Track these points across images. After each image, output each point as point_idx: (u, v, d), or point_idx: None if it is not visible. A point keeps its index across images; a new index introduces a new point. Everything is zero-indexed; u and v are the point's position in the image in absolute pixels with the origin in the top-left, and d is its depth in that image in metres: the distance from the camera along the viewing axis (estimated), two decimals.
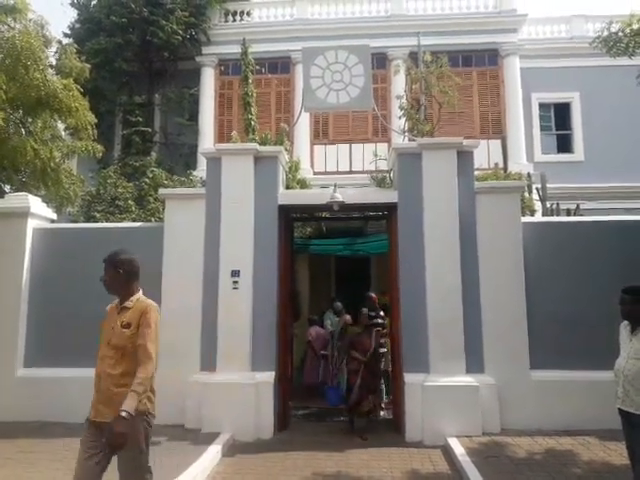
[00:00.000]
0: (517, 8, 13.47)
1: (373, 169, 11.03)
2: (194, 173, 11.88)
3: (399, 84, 12.33)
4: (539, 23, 14.28)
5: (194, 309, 6.54)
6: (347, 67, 7.63)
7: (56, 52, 9.38)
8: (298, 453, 5.54)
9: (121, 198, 10.38)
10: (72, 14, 14.79)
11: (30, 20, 8.34)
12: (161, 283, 6.64)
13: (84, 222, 9.78)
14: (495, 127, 13.09)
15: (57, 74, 8.66)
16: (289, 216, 7.33)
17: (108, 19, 13.32)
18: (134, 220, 9.69)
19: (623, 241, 6.51)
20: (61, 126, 9.23)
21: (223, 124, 13.86)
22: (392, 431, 6.38)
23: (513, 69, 13.28)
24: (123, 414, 2.81)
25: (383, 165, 10.27)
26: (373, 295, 8.84)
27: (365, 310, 6.74)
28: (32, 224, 7.07)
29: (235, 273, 6.45)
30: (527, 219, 7.20)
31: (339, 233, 10.40)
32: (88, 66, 9.25)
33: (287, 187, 8.03)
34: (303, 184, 10.34)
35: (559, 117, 14.05)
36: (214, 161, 6.85)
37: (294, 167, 10.23)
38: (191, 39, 13.80)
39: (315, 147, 13.46)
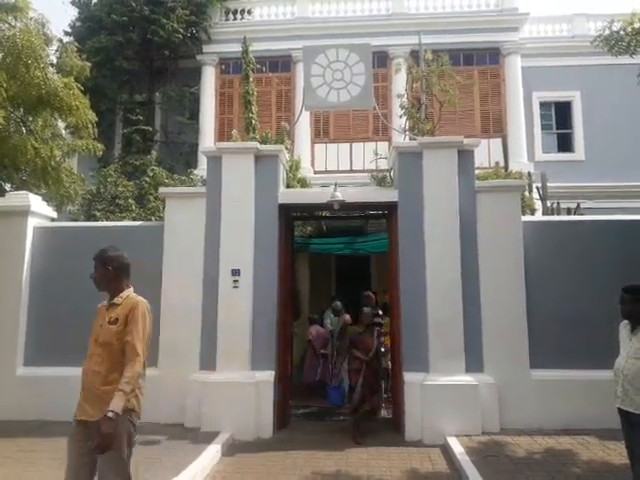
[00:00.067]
0: (518, 7, 13.46)
1: (374, 168, 11.02)
2: (194, 172, 11.88)
3: (400, 83, 12.31)
4: (540, 22, 14.26)
5: (194, 308, 6.54)
6: (348, 66, 7.62)
7: (57, 50, 9.38)
8: (298, 452, 5.54)
9: (121, 197, 10.39)
10: (73, 12, 14.87)
11: (31, 18, 8.34)
12: (161, 282, 6.65)
13: (84, 221, 9.79)
14: (496, 126, 13.08)
15: (58, 72, 8.68)
16: (289, 215, 7.33)
17: (109, 17, 13.32)
18: (134, 219, 9.70)
19: (623, 240, 6.50)
20: (62, 125, 9.24)
21: (224, 123, 13.85)
22: (391, 430, 6.38)
23: (514, 68, 13.27)
24: (110, 415, 2.79)
25: (384, 164, 10.27)
26: (370, 294, 8.85)
27: (367, 309, 6.65)
28: (32, 223, 7.07)
29: (235, 272, 6.45)
30: (527, 218, 7.19)
31: (339, 232, 10.39)
32: (89, 64, 9.26)
33: (288, 186, 8.03)
34: (304, 183, 10.33)
35: (560, 116, 14.03)
36: (215, 160, 6.84)
37: (295, 166, 10.23)
38: (192, 37, 13.79)
39: (316, 146, 13.45)
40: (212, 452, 5.29)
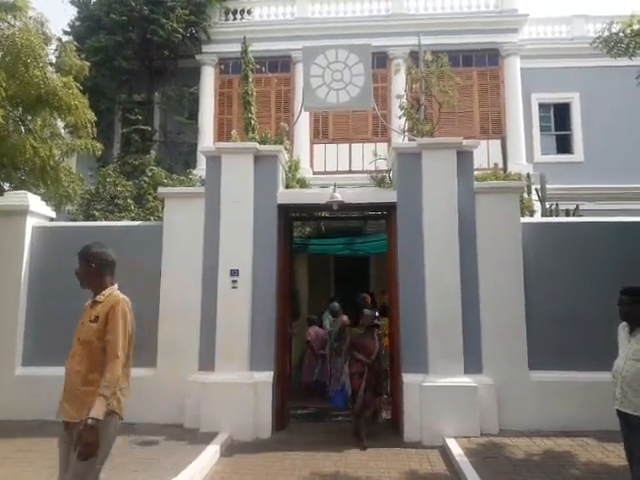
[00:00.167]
0: (518, 8, 13.47)
1: (373, 169, 11.02)
2: (193, 172, 11.88)
3: (399, 83, 12.33)
4: (540, 23, 14.27)
5: (193, 308, 6.53)
6: (347, 66, 7.62)
7: (56, 50, 9.37)
8: (296, 453, 5.54)
9: (120, 197, 10.37)
10: (72, 12, 14.81)
11: (30, 18, 8.32)
12: (160, 282, 6.64)
13: (83, 220, 9.78)
14: (495, 127, 13.09)
15: (57, 72, 8.66)
16: (288, 215, 7.33)
17: (108, 17, 13.31)
18: (133, 219, 9.69)
19: (622, 242, 6.51)
20: (60, 124, 9.22)
21: (223, 123, 13.84)
22: (390, 431, 6.38)
23: (513, 69, 13.28)
24: (91, 422, 2.75)
25: (383, 165, 10.27)
26: (366, 295, 8.84)
27: (367, 311, 6.55)
28: (31, 222, 7.06)
29: (234, 272, 6.45)
30: (526, 219, 7.20)
31: (338, 233, 10.39)
32: (88, 64, 9.25)
33: (287, 186, 8.02)
34: (303, 183, 10.34)
35: (559, 117, 14.04)
36: (214, 160, 6.84)
37: (294, 166, 10.23)
38: (191, 37, 13.78)
39: (315, 146, 13.45)
40: (211, 453, 5.29)
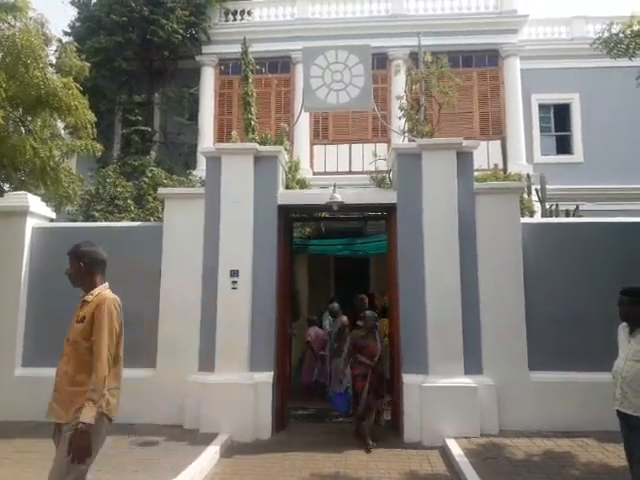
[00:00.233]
0: (518, 9, 13.47)
1: (373, 169, 11.02)
2: (193, 173, 11.88)
3: (399, 84, 12.32)
4: (539, 24, 14.28)
5: (193, 309, 6.53)
6: (347, 67, 7.63)
7: (56, 50, 9.38)
8: (296, 454, 5.54)
9: (120, 197, 10.38)
10: (72, 12, 14.88)
11: (30, 18, 8.33)
12: (160, 283, 6.64)
13: (83, 221, 9.78)
14: (495, 128, 13.10)
15: (57, 72, 8.67)
16: (288, 216, 7.33)
17: (108, 18, 13.31)
18: (133, 219, 9.69)
19: (622, 242, 6.51)
20: (61, 125, 9.22)
21: (223, 124, 13.85)
22: (390, 432, 6.36)
23: (513, 70, 13.28)
24: (81, 427, 2.74)
25: (383, 165, 10.27)
26: (364, 296, 8.83)
27: (369, 312, 6.49)
28: (31, 223, 7.06)
29: (234, 273, 6.45)
30: (526, 220, 7.20)
31: (338, 233, 10.40)
32: (88, 65, 9.25)
33: (287, 187, 8.03)
34: (303, 184, 10.34)
35: (559, 118, 14.05)
36: (214, 161, 6.84)
37: (294, 167, 10.23)
38: (191, 38, 13.79)
39: (315, 147, 13.45)
40: (211, 453, 5.28)
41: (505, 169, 10.71)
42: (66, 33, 14.02)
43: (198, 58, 14.00)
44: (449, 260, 6.29)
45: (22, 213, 6.97)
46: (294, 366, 8.60)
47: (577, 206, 9.97)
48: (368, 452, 5.60)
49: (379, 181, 10.39)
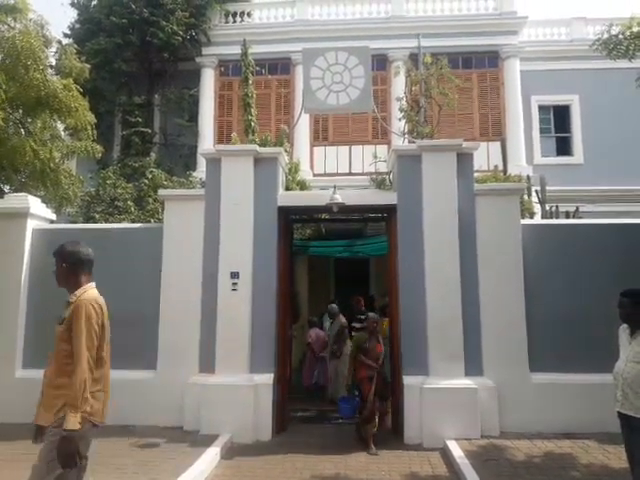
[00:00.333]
0: (517, 10, 13.49)
1: (373, 171, 11.03)
2: (194, 174, 11.88)
3: (399, 86, 12.33)
4: (539, 25, 14.30)
5: (193, 310, 6.53)
6: (347, 68, 7.63)
7: (56, 52, 9.37)
8: (297, 455, 5.53)
9: (120, 199, 10.37)
10: (72, 14, 14.85)
11: (30, 20, 8.32)
12: (160, 284, 6.64)
13: (83, 222, 9.77)
14: (495, 129, 13.11)
15: (57, 74, 8.66)
16: (288, 217, 7.33)
17: (108, 19, 13.33)
18: (133, 221, 9.69)
19: (622, 244, 6.51)
20: (61, 126, 9.21)
21: (223, 125, 13.86)
22: (391, 433, 6.35)
23: (513, 71, 13.30)
24: (66, 434, 2.70)
25: (383, 167, 10.27)
26: (360, 298, 8.82)
27: (372, 314, 6.44)
28: (31, 224, 7.06)
29: (234, 274, 6.44)
30: (526, 221, 7.19)
31: (338, 235, 10.40)
32: (88, 66, 9.23)
33: (287, 188, 8.03)
34: (303, 185, 10.33)
35: (558, 120, 14.07)
36: (214, 162, 6.84)
37: (294, 168, 10.23)
38: (191, 40, 13.80)
39: (315, 149, 13.46)
40: (211, 455, 5.28)
41: (505, 170, 10.71)
42: (66, 35, 14.04)
43: (198, 60, 14.02)
44: (449, 261, 6.29)
45: (22, 215, 6.97)
46: (294, 368, 8.60)
47: (577, 207, 9.97)
48: (373, 455, 5.57)
49: (379, 182, 10.38)
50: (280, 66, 13.96)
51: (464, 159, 6.57)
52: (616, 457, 5.09)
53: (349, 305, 9.34)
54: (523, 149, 13.03)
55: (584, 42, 11.57)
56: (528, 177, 10.86)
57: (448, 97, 10.53)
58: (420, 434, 5.91)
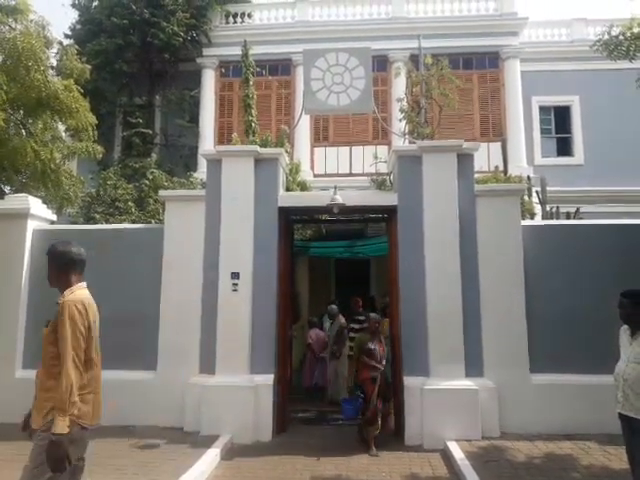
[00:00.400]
0: (518, 11, 13.50)
1: (373, 172, 11.03)
2: (194, 175, 11.88)
3: (400, 87, 12.34)
4: (540, 26, 14.30)
5: (193, 311, 6.53)
6: (348, 69, 7.63)
7: (57, 53, 9.37)
8: (297, 456, 5.52)
9: (121, 199, 10.37)
10: (73, 15, 14.88)
11: (31, 21, 8.33)
12: (161, 285, 6.64)
13: (84, 223, 9.77)
14: (495, 130, 13.11)
15: (58, 75, 8.67)
16: (289, 218, 7.33)
17: (109, 20, 13.34)
18: (134, 222, 9.69)
19: (623, 245, 6.50)
20: (61, 127, 9.22)
21: (223, 126, 13.87)
22: (391, 435, 6.34)
23: (514, 72, 13.30)
24: (54, 438, 2.68)
25: (383, 168, 10.27)
26: (358, 299, 8.79)
27: (374, 315, 6.37)
28: (32, 225, 7.07)
29: (235, 275, 6.44)
30: (527, 222, 7.18)
31: (339, 235, 10.40)
32: (89, 67, 9.24)
33: (287, 189, 8.02)
34: (303, 186, 10.33)
35: (559, 120, 14.07)
36: (214, 163, 6.84)
37: (294, 169, 10.23)
38: (192, 41, 13.82)
39: (315, 149, 13.47)
40: (211, 456, 5.27)
41: (505, 171, 10.71)
42: (67, 36, 14.06)
43: (199, 60, 14.03)
44: (450, 262, 6.28)
45: (23, 215, 6.98)
46: (295, 368, 8.59)
47: (578, 208, 9.96)
48: (374, 457, 5.55)
49: (380, 183, 10.38)
50: (281, 67, 13.97)
51: (465, 160, 6.57)
52: (617, 458, 5.09)
53: (349, 306, 9.33)
54: (524, 150, 13.03)
55: (585, 43, 11.58)
56: (529, 178, 10.85)
57: (449, 98, 10.53)
58: (421, 435, 5.90)
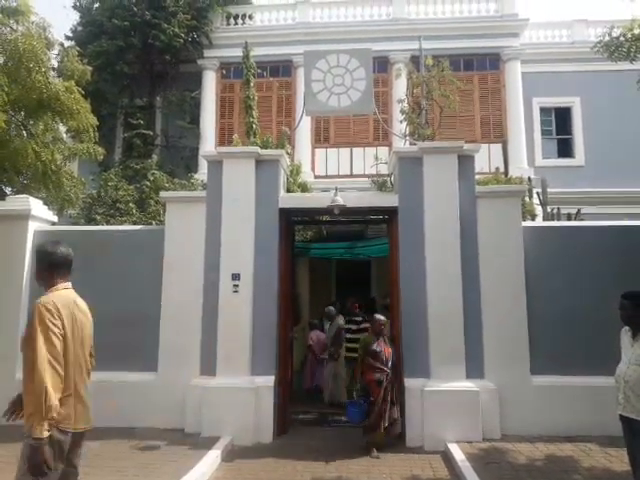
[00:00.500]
0: (518, 12, 13.52)
1: (374, 173, 11.03)
2: (195, 176, 11.89)
3: (400, 88, 12.33)
4: (540, 28, 14.32)
5: (194, 312, 6.53)
6: (348, 71, 7.63)
7: (58, 55, 9.39)
8: (298, 458, 5.51)
9: (122, 201, 10.38)
10: (74, 17, 14.90)
11: (33, 22, 8.36)
12: (161, 286, 6.64)
13: (85, 224, 9.78)
14: (496, 131, 13.11)
15: (59, 76, 8.69)
16: (290, 219, 7.33)
17: (110, 22, 13.37)
18: (135, 223, 9.69)
19: (624, 246, 6.49)
20: (62, 128, 9.24)
21: (224, 127, 13.89)
22: (396, 438, 6.30)
23: (514, 73, 13.31)
24: (32, 442, 2.63)
25: (384, 169, 10.27)
26: (353, 300, 8.76)
27: (379, 316, 6.18)
28: (33, 226, 7.07)
29: (235, 276, 6.44)
30: (528, 223, 7.18)
31: (340, 237, 10.39)
32: (90, 69, 9.27)
33: (288, 190, 8.03)
34: (304, 188, 10.33)
35: (560, 122, 14.07)
36: (215, 164, 6.85)
37: (295, 171, 10.23)
38: (193, 42, 13.84)
39: (316, 151, 13.48)
40: (212, 458, 5.27)
41: (506, 172, 10.71)
42: (68, 37, 14.10)
43: (200, 62, 14.05)
44: (450, 264, 6.28)
45: (24, 216, 6.98)
46: (295, 370, 8.58)
47: (579, 209, 9.95)
48: (371, 458, 5.53)
49: (380, 184, 10.37)
50: (281, 68, 13.99)
51: (465, 161, 6.57)
52: (618, 460, 5.07)
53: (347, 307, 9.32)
54: (524, 151, 13.03)
55: (585, 44, 11.62)
56: (529, 179, 10.85)
57: (449, 99, 10.52)
58: (421, 437, 5.90)
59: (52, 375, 2.69)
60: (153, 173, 11.27)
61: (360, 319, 8.40)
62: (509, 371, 6.14)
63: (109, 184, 10.72)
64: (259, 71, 12.77)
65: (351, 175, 12.86)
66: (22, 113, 8.29)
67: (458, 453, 5.39)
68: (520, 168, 12.03)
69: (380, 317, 6.15)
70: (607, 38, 7.79)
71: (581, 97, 13.67)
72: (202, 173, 11.09)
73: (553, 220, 9.33)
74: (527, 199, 9.54)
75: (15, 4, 8.40)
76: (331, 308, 8.90)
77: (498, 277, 6.34)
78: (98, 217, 10.04)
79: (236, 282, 6.43)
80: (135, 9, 13.27)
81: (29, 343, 2.76)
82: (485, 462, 5.16)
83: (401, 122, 10.88)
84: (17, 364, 6.72)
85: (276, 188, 6.79)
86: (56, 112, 8.02)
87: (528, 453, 5.45)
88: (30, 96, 7.56)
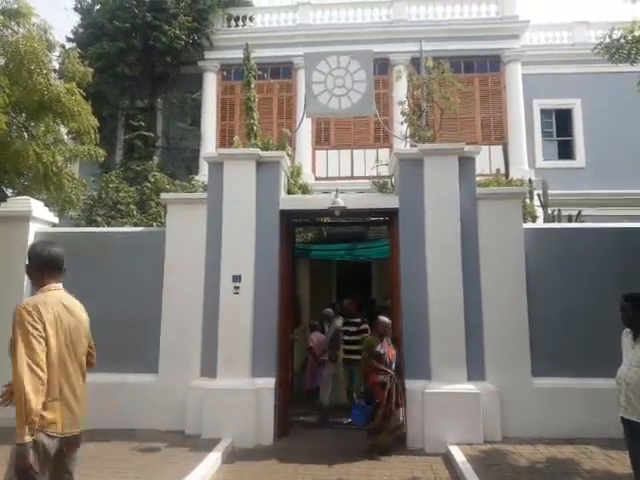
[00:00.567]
0: (519, 14, 13.53)
1: (375, 175, 11.03)
2: (196, 178, 11.90)
3: (401, 90, 12.35)
4: (541, 29, 14.33)
5: (195, 314, 6.53)
6: (349, 73, 7.63)
7: (59, 56, 9.41)
8: (299, 460, 5.51)
9: (123, 202, 10.39)
10: (75, 19, 14.92)
11: (34, 24, 8.35)
12: (162, 288, 6.64)
13: (86, 226, 9.78)
14: (497, 133, 13.11)
15: (60, 78, 8.70)
16: (290, 221, 7.33)
17: (111, 24, 13.40)
18: (136, 224, 9.70)
19: (624, 248, 6.48)
20: (63, 130, 9.25)
21: (225, 129, 13.90)
22: (399, 441, 6.29)
23: (515, 75, 13.32)
24: (17, 448, 2.56)
25: (385, 171, 10.28)
26: (350, 301, 8.74)
27: (383, 318, 6.17)
28: (34, 228, 7.07)
29: (236, 278, 6.44)
30: (529, 225, 7.18)
31: (340, 238, 10.39)
32: (91, 70, 9.27)
33: (289, 192, 8.03)
34: (305, 189, 10.34)
35: (560, 123, 14.08)
36: (216, 166, 6.85)
37: (296, 172, 10.24)
38: (194, 44, 13.87)
39: (317, 152, 13.48)
40: (212, 460, 5.26)
41: (507, 174, 10.72)
42: (69, 39, 14.13)
43: (200, 64, 14.07)
44: (451, 265, 6.28)
45: (25, 218, 6.98)
46: (296, 372, 8.57)
47: (579, 211, 9.95)
48: (372, 460, 5.51)
49: (381, 186, 10.38)
50: (282, 70, 14.00)
51: (466, 163, 6.57)
52: (619, 463, 5.05)
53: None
54: (525, 153, 13.03)
55: (586, 46, 11.60)
56: (530, 181, 10.85)
57: (450, 101, 10.53)
58: (422, 439, 5.89)
59: (32, 379, 2.60)
60: (154, 175, 11.28)
61: (359, 320, 8.38)
62: (510, 373, 6.13)
63: (110, 186, 10.73)
64: (260, 73, 12.79)
65: (352, 177, 12.87)
66: (23, 115, 8.30)
67: (459, 455, 5.38)
68: (521, 170, 12.03)
69: (385, 319, 6.14)
70: (608, 40, 7.80)
71: (582, 99, 13.67)
72: (203, 175, 11.09)
73: (554, 222, 9.32)
74: (528, 201, 9.54)
75: (16, 6, 8.40)
76: (329, 310, 8.88)
77: (499, 279, 6.34)
78: (99, 219, 10.05)
79: (237, 284, 6.43)
80: (136, 11, 13.30)
81: (10, 345, 2.71)
82: (486, 464, 5.15)
83: (402, 124, 10.90)
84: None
85: (277, 190, 6.79)
86: (57, 114, 8.02)
87: (529, 455, 5.44)
88: (31, 98, 7.56)
